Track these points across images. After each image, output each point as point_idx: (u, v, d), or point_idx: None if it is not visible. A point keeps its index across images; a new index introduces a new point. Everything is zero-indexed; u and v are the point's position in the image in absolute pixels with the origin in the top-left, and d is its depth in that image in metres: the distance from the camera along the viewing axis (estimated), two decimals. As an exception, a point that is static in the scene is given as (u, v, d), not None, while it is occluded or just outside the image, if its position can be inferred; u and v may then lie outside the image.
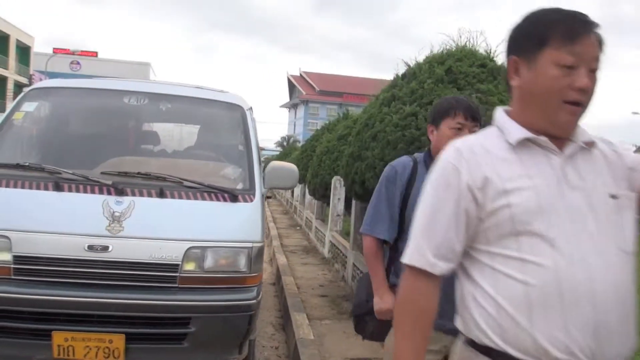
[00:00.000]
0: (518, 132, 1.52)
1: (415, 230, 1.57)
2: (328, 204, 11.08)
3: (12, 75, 47.47)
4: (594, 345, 1.39)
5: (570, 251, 1.42)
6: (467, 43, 6.45)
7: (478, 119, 2.55)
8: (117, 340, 3.52)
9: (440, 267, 1.53)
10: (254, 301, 3.85)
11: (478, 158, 1.51)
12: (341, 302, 7.01)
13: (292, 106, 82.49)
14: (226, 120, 4.75)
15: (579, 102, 1.49)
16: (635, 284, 1.49)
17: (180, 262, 3.65)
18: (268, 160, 12.54)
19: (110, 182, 3.81)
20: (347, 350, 4.94)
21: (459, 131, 2.47)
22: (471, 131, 2.44)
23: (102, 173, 3.96)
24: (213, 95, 4.88)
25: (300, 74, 78.75)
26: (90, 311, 3.55)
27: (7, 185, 3.75)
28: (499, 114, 1.63)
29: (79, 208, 3.74)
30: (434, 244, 1.52)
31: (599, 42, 1.50)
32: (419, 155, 2.65)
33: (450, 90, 5.81)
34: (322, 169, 11.24)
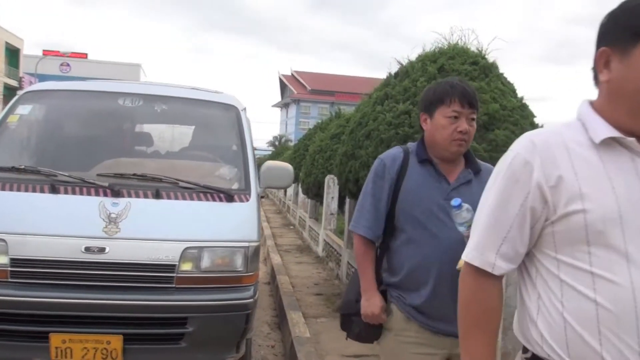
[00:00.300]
0: (604, 129, 1.36)
1: (477, 226, 1.48)
2: (321, 203, 11.09)
3: (1, 77, 47.20)
4: None
5: None
6: (459, 41, 6.49)
7: (475, 106, 2.34)
8: (115, 341, 3.53)
9: (502, 267, 1.42)
10: (251, 300, 3.87)
11: (554, 153, 1.36)
12: (336, 300, 7.03)
13: (284, 105, 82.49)
14: (221, 121, 4.75)
15: None
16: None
17: (177, 263, 3.67)
18: (260, 160, 12.52)
19: (106, 184, 3.82)
20: (344, 347, 4.96)
21: (455, 120, 2.28)
22: (468, 119, 2.30)
23: (98, 175, 3.96)
24: (207, 96, 4.88)
25: (292, 73, 78.72)
26: (87, 312, 3.56)
27: (3, 189, 3.75)
28: (584, 106, 1.46)
29: (75, 210, 3.75)
30: (497, 242, 1.42)
31: None
32: (411, 145, 2.48)
33: (442, 88, 5.83)
34: (315, 168, 11.25)
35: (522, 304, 1.48)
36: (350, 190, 6.82)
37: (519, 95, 6.48)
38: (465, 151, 2.39)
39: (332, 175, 9.53)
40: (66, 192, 3.78)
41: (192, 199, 3.93)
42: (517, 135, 6.13)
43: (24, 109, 4.48)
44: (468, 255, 1.47)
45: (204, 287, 3.76)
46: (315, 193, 11.82)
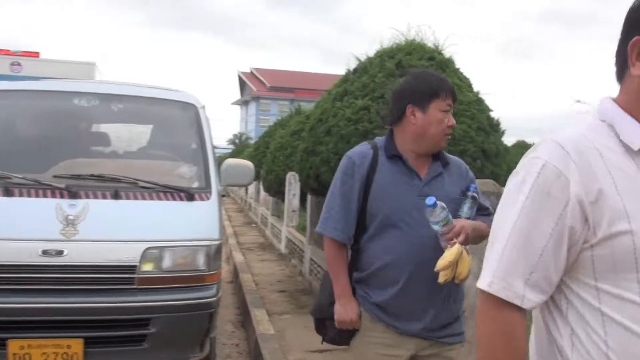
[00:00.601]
0: None
1: (498, 249, 1.20)
2: (283, 200, 11.09)
3: (-52, 78, 45.67)
4: None
5: None
6: (416, 37, 6.56)
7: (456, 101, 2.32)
8: (75, 345, 3.46)
9: (532, 300, 1.18)
10: (214, 299, 3.84)
11: (589, 161, 1.14)
12: (300, 297, 7.06)
13: (243, 103, 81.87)
14: (180, 119, 4.70)
15: None
16: None
17: (137, 263, 3.62)
18: (221, 158, 12.50)
19: (63, 185, 3.74)
20: (309, 343, 4.97)
21: (446, 114, 2.22)
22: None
23: (54, 176, 3.87)
24: (165, 94, 4.82)
25: (251, 71, 78.14)
26: (46, 317, 3.48)
27: None
28: (610, 106, 1.24)
29: (31, 213, 3.66)
30: (526, 270, 1.16)
31: None
32: (379, 140, 2.34)
33: (400, 83, 5.90)
34: (276, 165, 11.24)
35: (548, 339, 1.26)
36: (311, 186, 6.83)
37: (475, 89, 6.60)
38: None
39: (293, 172, 9.53)
40: (21, 195, 3.69)
41: (151, 198, 3.88)
42: (474, 129, 6.24)
43: None
44: (491, 285, 1.19)
45: (166, 287, 3.72)
46: (277, 190, 11.80)
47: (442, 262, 2.10)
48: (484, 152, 5.91)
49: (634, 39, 1.16)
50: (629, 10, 1.21)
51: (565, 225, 1.14)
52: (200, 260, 3.80)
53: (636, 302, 1.10)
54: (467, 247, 2.19)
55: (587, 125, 1.24)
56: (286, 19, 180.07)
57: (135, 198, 3.84)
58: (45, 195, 3.71)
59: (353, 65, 6.70)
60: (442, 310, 2.23)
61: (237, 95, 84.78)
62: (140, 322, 3.63)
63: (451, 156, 2.43)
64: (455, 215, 2.20)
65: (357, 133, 5.80)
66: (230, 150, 43.26)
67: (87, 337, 3.50)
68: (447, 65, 6.26)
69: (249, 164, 4.62)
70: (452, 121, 2.25)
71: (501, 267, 1.18)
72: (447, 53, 6.39)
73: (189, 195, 3.94)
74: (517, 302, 1.17)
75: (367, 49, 6.69)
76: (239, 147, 40.72)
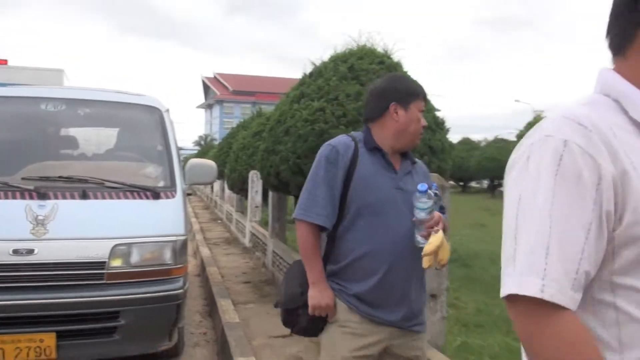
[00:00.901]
0: None
1: (525, 249, 0.94)
2: (246, 197, 11.05)
3: None
4: None
5: None
6: (367, 42, 6.63)
7: None
8: (48, 339, 3.42)
9: (578, 301, 0.93)
10: (181, 291, 3.84)
11: (609, 138, 0.94)
12: (263, 287, 7.06)
13: (208, 106, 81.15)
14: (145, 122, 4.65)
15: None
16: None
17: (106, 260, 3.59)
18: (187, 159, 12.44)
19: (32, 187, 3.68)
20: (272, 330, 4.99)
21: (421, 114, 2.24)
22: None
23: (22, 179, 3.81)
24: (130, 98, 4.77)
25: (214, 76, 77.50)
26: (19, 313, 3.43)
27: None
28: (614, 78, 1.03)
29: (1, 214, 3.59)
30: (572, 267, 0.91)
31: None
32: (357, 134, 2.27)
33: (353, 85, 5.96)
34: (239, 164, 11.20)
35: None
36: (272, 183, 6.84)
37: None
38: None
39: (255, 171, 9.51)
40: None
41: (119, 197, 3.84)
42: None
43: None
44: (544, 289, 0.90)
45: (134, 281, 3.69)
46: (240, 188, 11.77)
47: (429, 247, 2.10)
48: (431, 148, 6.02)
49: None
50: None
51: (603, 210, 0.92)
52: (167, 255, 3.79)
53: None
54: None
55: (591, 101, 1.03)
56: (246, 27, 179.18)
57: (103, 198, 3.80)
58: (14, 197, 3.64)
59: (309, 69, 6.73)
60: (416, 300, 2.21)
61: (201, 99, 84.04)
62: (110, 315, 3.61)
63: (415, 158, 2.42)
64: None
65: (314, 133, 5.83)
66: (196, 151, 42.87)
67: (59, 331, 3.46)
68: (395, 68, 6.34)
69: (212, 163, 4.61)
70: (425, 122, 2.26)
71: (549, 268, 0.90)
72: (395, 57, 6.47)
73: (155, 194, 3.92)
74: (571, 307, 0.91)
75: (322, 54, 6.73)
76: (204, 148, 40.41)
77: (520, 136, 20.93)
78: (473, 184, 34.39)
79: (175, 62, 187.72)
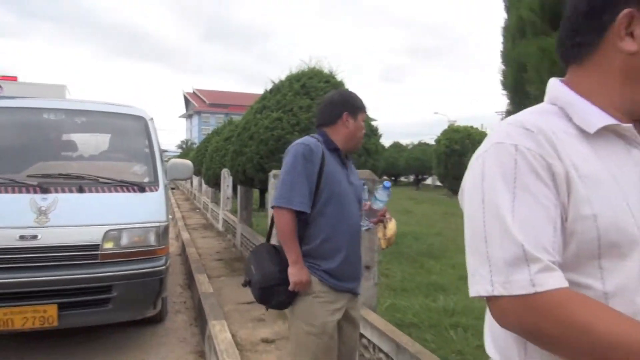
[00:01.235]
0: (598, 117, 0.86)
1: (506, 246, 0.77)
2: (220, 190, 10.92)
3: (-64, 97, 41.40)
4: None
5: None
6: (316, 65, 6.65)
7: None
8: (50, 310, 3.32)
9: (564, 279, 0.78)
10: (164, 267, 3.78)
11: (554, 141, 0.83)
12: (233, 263, 7.00)
13: (188, 116, 79.45)
14: (132, 129, 4.53)
15: None
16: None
17: (100, 242, 3.49)
18: (170, 159, 12.24)
19: (35, 183, 3.55)
20: (240, 297, 4.97)
21: (363, 124, 2.25)
22: None
23: (28, 176, 3.68)
24: (120, 109, 4.64)
25: (194, 91, 75.93)
26: (25, 289, 3.31)
27: None
28: (561, 88, 0.92)
29: (9, 206, 3.44)
30: (548, 257, 0.77)
31: None
32: (317, 137, 2.17)
33: (305, 100, 5.97)
34: (213, 163, 11.07)
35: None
36: (240, 179, 6.79)
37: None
38: None
39: (226, 169, 9.40)
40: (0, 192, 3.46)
41: (110, 191, 3.74)
42: (358, 133, 6.27)
43: None
44: (534, 282, 0.75)
45: (124, 260, 3.61)
46: (215, 183, 11.63)
47: (391, 232, 2.16)
48: (367, 150, 6.10)
49: (624, 10, 0.83)
50: None
51: (560, 204, 0.80)
52: (152, 238, 3.71)
53: (594, 288, 0.81)
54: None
55: (538, 109, 0.91)
56: (221, 51, 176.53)
57: (97, 191, 3.70)
58: (20, 192, 3.51)
59: (269, 86, 6.71)
60: (360, 271, 2.24)
61: (183, 110, 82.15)
62: (103, 289, 3.51)
63: None
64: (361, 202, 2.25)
65: (273, 138, 5.82)
66: (178, 153, 42.05)
67: (60, 303, 3.36)
68: (339, 86, 6.39)
69: (188, 162, 4.54)
70: (364, 130, 2.27)
71: (531, 262, 0.75)
72: (339, 77, 6.52)
73: (141, 188, 3.83)
74: (565, 284, 0.76)
75: (280, 74, 6.73)
76: (186, 150, 39.67)
77: (438, 141, 21.34)
78: (402, 179, 34.89)
79: (161, 79, 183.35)
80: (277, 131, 5.74)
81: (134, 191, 3.81)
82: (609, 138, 0.86)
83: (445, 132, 21.20)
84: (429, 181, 32.05)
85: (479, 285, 0.81)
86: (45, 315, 3.30)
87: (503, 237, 0.78)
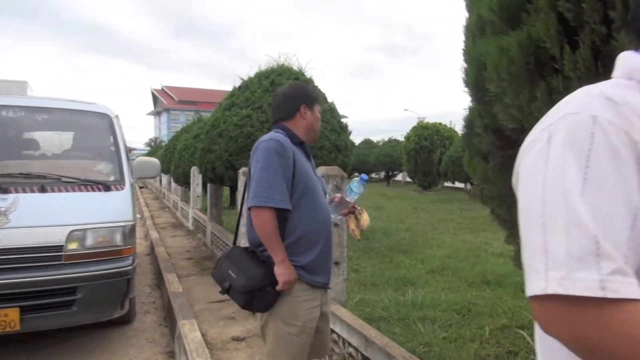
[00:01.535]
0: None
1: (571, 237, 0.62)
2: (189, 189, 10.79)
3: None
4: None
5: None
6: (285, 62, 6.64)
7: None
8: (12, 313, 3.22)
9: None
10: (130, 267, 3.72)
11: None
12: (204, 262, 6.94)
13: (157, 114, 77.93)
14: (97, 126, 4.42)
15: None
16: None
17: (63, 243, 3.41)
18: (137, 157, 12.00)
19: None
20: (210, 296, 4.93)
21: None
22: None
23: None
24: (84, 106, 4.52)
25: (162, 88, 74.49)
26: None
27: None
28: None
29: None
30: (620, 256, 0.61)
31: None
32: (281, 132, 2.10)
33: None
34: (182, 161, 10.93)
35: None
36: (209, 177, 6.73)
37: (329, 100, 6.79)
38: None
39: (195, 167, 9.30)
40: None
41: (74, 190, 3.65)
42: (328, 130, 6.40)
43: None
44: (604, 285, 0.59)
45: (89, 261, 3.53)
46: (184, 181, 11.48)
47: (367, 223, 2.17)
48: (337, 147, 6.13)
49: None
50: None
51: None
52: (117, 238, 3.65)
53: None
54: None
55: (613, 83, 0.74)
56: (188, 47, 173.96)
57: (60, 191, 3.60)
58: None
59: (238, 83, 6.66)
60: (332, 263, 2.22)
61: (151, 108, 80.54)
62: (68, 290, 3.43)
63: None
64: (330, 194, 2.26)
65: (243, 135, 5.79)
66: (146, 151, 41.30)
67: (22, 306, 3.27)
68: (307, 83, 6.40)
69: (155, 160, 4.46)
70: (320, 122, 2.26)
71: (603, 260, 0.60)
72: (308, 74, 6.53)
73: (106, 187, 3.76)
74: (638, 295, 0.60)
75: (249, 71, 6.70)
76: (154, 148, 38.98)
77: (407, 137, 21.58)
78: (373, 175, 35.18)
79: (128, 76, 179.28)
80: (247, 128, 5.71)
81: (99, 190, 3.73)
82: None
83: (414, 129, 21.46)
84: (399, 177, 32.40)
85: (531, 283, 0.65)
86: (7, 319, 3.20)
87: (569, 225, 0.62)
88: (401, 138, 28.05)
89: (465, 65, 2.25)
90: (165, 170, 14.42)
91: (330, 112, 6.25)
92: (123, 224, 3.67)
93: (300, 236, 2.02)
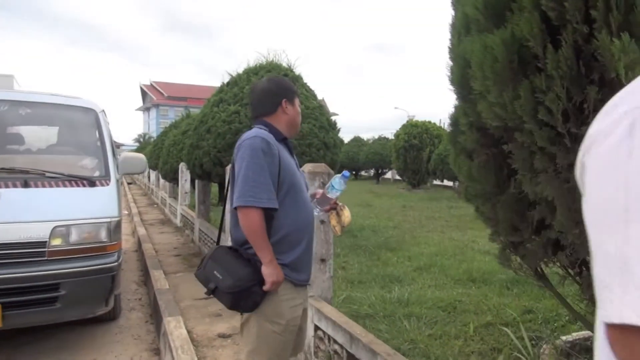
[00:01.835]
0: None
1: None
2: (178, 185, 10.73)
3: None
4: None
5: None
6: (274, 59, 6.62)
7: None
8: None
9: None
10: (115, 264, 3.68)
11: None
12: (192, 259, 6.90)
13: (146, 109, 77.26)
14: (82, 121, 4.37)
15: None
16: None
17: (47, 239, 3.37)
18: (123, 153, 11.88)
19: None
20: (197, 293, 4.91)
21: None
22: None
23: None
24: (69, 101, 4.46)
25: (151, 83, 73.84)
26: None
27: None
28: None
29: None
30: None
31: None
32: (264, 128, 2.04)
33: (262, 94, 5.93)
34: (170, 157, 10.85)
35: None
36: (197, 173, 6.69)
37: (319, 97, 6.78)
38: None
39: (184, 163, 9.24)
40: None
41: (58, 186, 3.61)
42: (317, 128, 6.40)
43: None
44: None
45: (73, 257, 3.49)
46: (172, 177, 11.41)
47: (348, 219, 2.14)
48: (325, 144, 6.13)
49: None
50: None
51: None
52: (102, 234, 3.61)
53: None
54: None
55: None
56: (178, 43, 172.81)
57: (44, 186, 3.55)
58: None
59: (227, 79, 6.63)
60: (312, 261, 2.19)
61: (140, 103, 79.89)
62: (51, 287, 3.40)
63: None
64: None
65: (231, 131, 5.76)
66: (135, 147, 41.04)
67: (4, 303, 3.22)
68: (297, 80, 6.38)
69: (141, 156, 4.42)
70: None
71: None
72: (297, 71, 6.51)
73: (91, 182, 3.71)
74: None
75: (238, 67, 6.66)
76: (143, 144, 38.72)
77: (397, 135, 21.62)
78: (363, 173, 35.25)
79: (117, 71, 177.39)
80: (235, 125, 5.69)
81: (84, 185, 3.68)
82: None
83: (404, 127, 21.52)
84: (388, 175, 32.49)
85: (604, 305, 0.53)
86: (-12, 316, 3.16)
87: None
88: (391, 136, 28.11)
89: (450, 63, 2.25)
90: (153, 166, 14.32)
91: (319, 109, 6.24)
92: (108, 219, 3.64)
93: (285, 234, 1.98)
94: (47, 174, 3.63)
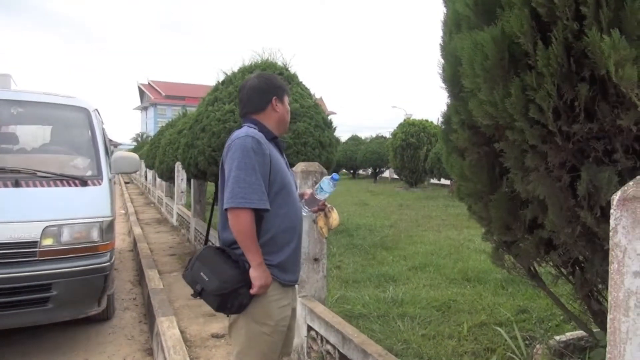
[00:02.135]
0: None
1: None
2: (174, 184, 10.70)
3: None
4: None
5: None
6: (269, 57, 6.59)
7: None
8: None
9: None
10: (108, 264, 3.65)
11: None
12: (187, 258, 6.86)
13: (143, 108, 77.09)
14: (74, 120, 4.34)
15: None
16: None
17: (38, 239, 3.35)
18: (115, 152, 11.82)
19: None
20: (190, 293, 4.87)
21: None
22: None
23: None
24: (62, 100, 4.43)
25: (149, 82, 73.71)
26: None
27: None
28: None
29: None
30: None
31: None
32: (254, 127, 2.01)
33: (257, 92, 5.89)
34: (166, 157, 10.81)
35: None
36: (192, 172, 6.65)
37: (317, 97, 6.75)
38: None
39: (179, 162, 9.21)
40: None
41: (49, 185, 3.58)
42: (312, 126, 6.36)
43: None
44: None
45: (65, 257, 3.47)
46: (168, 176, 11.36)
47: (336, 222, 2.11)
48: (321, 143, 6.10)
49: None
50: None
51: None
52: (95, 234, 3.58)
53: None
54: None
55: None
56: (175, 41, 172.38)
57: (35, 185, 3.52)
58: None
59: (222, 78, 6.60)
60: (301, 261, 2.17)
61: (137, 102, 79.69)
62: (43, 287, 3.37)
63: None
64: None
65: (225, 130, 5.73)
66: (133, 146, 40.99)
67: None
68: (292, 79, 6.35)
69: (134, 155, 4.39)
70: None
71: None
72: (292, 70, 6.48)
73: (83, 182, 3.69)
74: None
75: (233, 66, 6.63)
76: (140, 143, 38.64)
77: (394, 134, 21.58)
78: (360, 171, 35.23)
79: (114, 71, 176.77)
80: (230, 123, 5.65)
81: (75, 185, 3.65)
82: None
83: (401, 126, 21.48)
84: (386, 174, 32.46)
85: None
86: (-21, 316, 3.13)
87: None
88: (388, 135, 28.08)
89: (442, 61, 2.23)
90: (150, 165, 14.28)
91: (315, 108, 6.21)
92: (100, 219, 3.61)
93: (275, 235, 1.95)
94: (39, 174, 3.60)
